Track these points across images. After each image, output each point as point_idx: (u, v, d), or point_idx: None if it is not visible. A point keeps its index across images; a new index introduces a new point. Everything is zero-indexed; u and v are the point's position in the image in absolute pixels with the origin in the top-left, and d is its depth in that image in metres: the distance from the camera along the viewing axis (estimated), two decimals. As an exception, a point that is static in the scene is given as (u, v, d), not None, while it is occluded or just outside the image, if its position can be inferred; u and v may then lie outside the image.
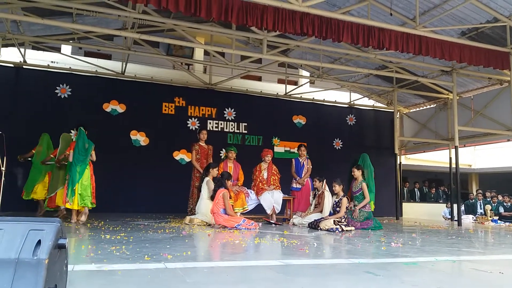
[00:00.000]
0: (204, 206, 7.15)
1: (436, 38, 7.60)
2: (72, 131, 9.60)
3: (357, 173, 7.88)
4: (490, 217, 11.28)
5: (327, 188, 7.68)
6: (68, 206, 6.66)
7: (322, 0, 6.82)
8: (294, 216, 7.98)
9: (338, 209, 7.14)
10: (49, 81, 9.78)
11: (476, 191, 14.37)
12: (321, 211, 7.52)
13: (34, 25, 8.65)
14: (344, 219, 7.01)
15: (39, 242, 1.59)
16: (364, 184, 7.68)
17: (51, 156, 7.86)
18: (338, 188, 7.28)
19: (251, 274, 3.05)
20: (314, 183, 7.92)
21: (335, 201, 7.29)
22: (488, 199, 12.46)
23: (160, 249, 3.93)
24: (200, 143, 8.42)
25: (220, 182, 7.00)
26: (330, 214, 7.25)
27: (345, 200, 7.12)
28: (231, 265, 3.36)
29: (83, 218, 6.56)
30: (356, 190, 7.77)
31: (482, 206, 12.17)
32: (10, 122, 8.78)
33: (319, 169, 9.22)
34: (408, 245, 5.03)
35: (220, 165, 8.09)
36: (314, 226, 7.04)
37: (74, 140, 7.15)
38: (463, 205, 12.42)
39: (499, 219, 11.30)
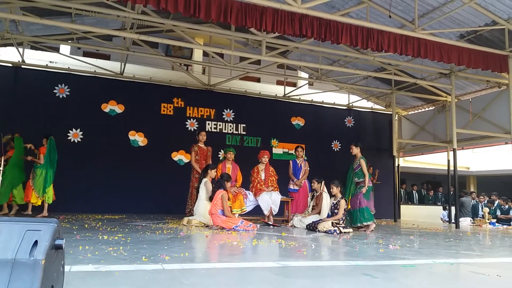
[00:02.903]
0: (202, 207, 7.14)
1: (435, 40, 7.61)
2: (70, 131, 9.65)
3: (355, 150, 7.92)
4: (488, 219, 11.29)
5: (325, 189, 7.69)
6: (35, 201, 7.81)
7: (321, 2, 6.83)
8: (294, 218, 7.98)
9: (336, 211, 7.13)
10: (48, 81, 9.77)
11: (471, 193, 14.36)
12: (319, 213, 7.52)
13: (33, 25, 8.64)
14: (342, 221, 7.01)
15: (35, 242, 1.58)
16: (362, 161, 7.72)
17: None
18: (336, 190, 7.27)
19: (249, 276, 3.05)
20: (312, 184, 7.91)
21: (333, 202, 7.29)
22: (485, 202, 12.46)
23: (158, 250, 3.92)
24: (199, 144, 8.43)
25: (219, 183, 7.00)
26: (328, 216, 7.25)
27: (343, 202, 7.11)
28: (229, 267, 3.35)
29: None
30: (355, 166, 7.81)
31: (482, 209, 12.18)
32: (8, 122, 8.74)
33: (317, 171, 9.21)
34: (406, 248, 5.03)
35: (218, 166, 8.09)
36: (312, 227, 7.04)
37: (44, 145, 7.98)
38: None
39: (496, 221, 11.32)
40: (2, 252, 1.54)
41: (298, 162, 8.71)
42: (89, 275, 2.72)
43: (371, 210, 7.95)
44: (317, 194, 7.80)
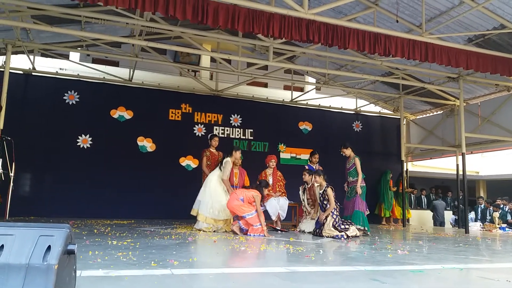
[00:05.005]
0: (218, 200, 7.12)
1: (443, 45, 7.58)
2: (80, 136, 9.75)
3: (347, 151, 7.88)
4: (498, 224, 11.17)
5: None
6: None
7: (328, 8, 6.86)
8: (303, 222, 7.94)
9: (325, 202, 6.98)
10: (58, 88, 9.89)
11: (481, 198, 14.24)
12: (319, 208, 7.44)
13: (43, 32, 8.76)
14: (335, 210, 6.88)
15: (49, 247, 1.62)
16: (357, 159, 7.65)
17: None
18: (319, 178, 7.13)
19: (257, 281, 3.06)
20: (303, 176, 7.85)
21: (320, 193, 7.16)
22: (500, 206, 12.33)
23: (167, 255, 3.95)
24: (211, 149, 8.43)
25: (258, 188, 7.07)
26: (322, 210, 7.05)
27: (329, 190, 6.93)
28: (237, 272, 3.37)
29: None
30: (349, 166, 7.79)
31: (490, 214, 12.06)
32: (19, 129, 8.86)
33: (325, 175, 9.17)
34: (414, 253, 5.01)
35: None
36: (317, 233, 6.96)
37: None
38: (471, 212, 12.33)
39: (507, 226, 11.20)
40: (16, 257, 1.58)
41: (314, 168, 8.67)
42: (99, 280, 2.75)
43: (365, 212, 7.84)
44: (308, 186, 7.77)
